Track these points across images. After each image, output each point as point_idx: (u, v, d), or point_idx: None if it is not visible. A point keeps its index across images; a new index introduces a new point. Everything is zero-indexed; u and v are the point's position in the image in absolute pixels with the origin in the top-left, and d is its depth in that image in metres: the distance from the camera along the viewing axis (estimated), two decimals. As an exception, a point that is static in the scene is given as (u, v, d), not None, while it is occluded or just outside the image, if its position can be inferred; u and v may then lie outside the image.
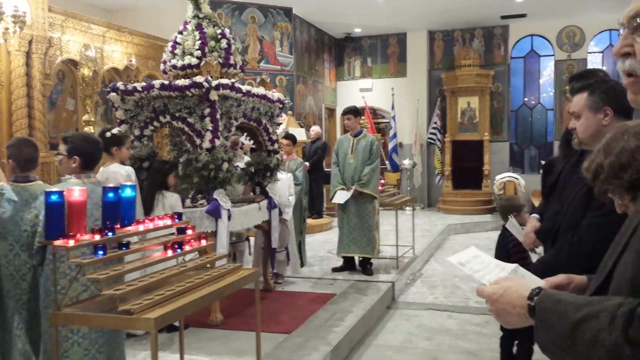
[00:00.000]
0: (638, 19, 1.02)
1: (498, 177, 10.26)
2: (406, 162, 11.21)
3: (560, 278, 1.41)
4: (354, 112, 5.90)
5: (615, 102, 2.06)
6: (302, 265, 5.94)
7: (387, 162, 11.05)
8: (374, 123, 11.30)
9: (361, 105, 10.85)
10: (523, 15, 10.73)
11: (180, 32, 4.70)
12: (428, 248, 7.30)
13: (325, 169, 9.35)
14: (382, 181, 10.40)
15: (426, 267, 6.71)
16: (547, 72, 11.56)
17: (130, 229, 2.68)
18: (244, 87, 4.57)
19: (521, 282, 1.18)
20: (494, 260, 1.49)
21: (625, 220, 1.39)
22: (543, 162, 6.57)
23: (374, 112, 11.73)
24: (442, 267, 6.60)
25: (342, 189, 5.69)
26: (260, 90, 4.85)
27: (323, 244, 7.15)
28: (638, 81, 1.08)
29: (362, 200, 5.68)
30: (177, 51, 4.62)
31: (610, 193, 1.67)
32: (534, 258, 3.23)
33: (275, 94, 5.21)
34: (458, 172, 11.08)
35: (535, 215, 2.99)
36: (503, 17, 10.94)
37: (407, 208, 9.46)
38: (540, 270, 1.76)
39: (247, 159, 5.34)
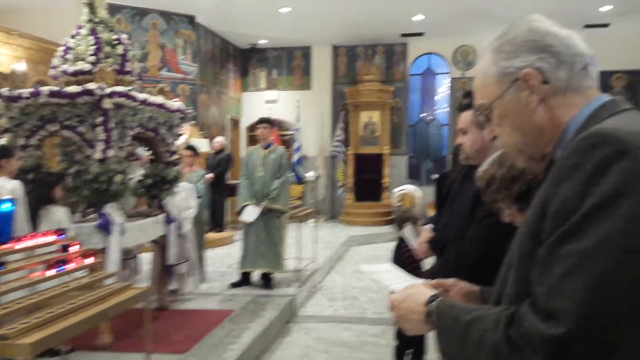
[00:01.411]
0: (483, 112, 1.17)
1: (396, 189, 10.59)
2: (310, 175, 11.32)
3: (438, 281, 1.49)
4: (269, 121, 5.85)
5: None
6: (201, 281, 5.80)
7: (291, 174, 11.09)
8: (279, 135, 11.33)
9: (267, 116, 10.85)
10: (421, 34, 11.24)
11: (73, 37, 4.46)
12: (329, 260, 7.39)
13: (229, 182, 9.23)
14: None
15: (327, 279, 6.78)
16: (443, 89, 12.15)
17: (6, 246, 2.48)
18: (141, 96, 4.40)
19: (421, 289, 1.22)
20: (408, 275, 1.53)
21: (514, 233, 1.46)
22: (436, 175, 6.88)
23: (279, 124, 11.74)
24: (343, 279, 6.70)
25: (252, 204, 5.57)
26: (159, 99, 4.70)
27: (224, 258, 7.02)
28: (510, 152, 1.20)
29: (270, 214, 5.62)
30: (69, 56, 4.38)
31: (500, 202, 1.76)
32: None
33: (175, 103, 5.07)
34: (360, 185, 11.34)
35: (429, 226, 3.10)
36: (403, 35, 11.39)
37: (310, 220, 9.46)
38: (427, 277, 1.81)
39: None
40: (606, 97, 1.10)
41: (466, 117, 2.24)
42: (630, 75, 11.00)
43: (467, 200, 2.33)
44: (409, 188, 11.05)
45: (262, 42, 11.85)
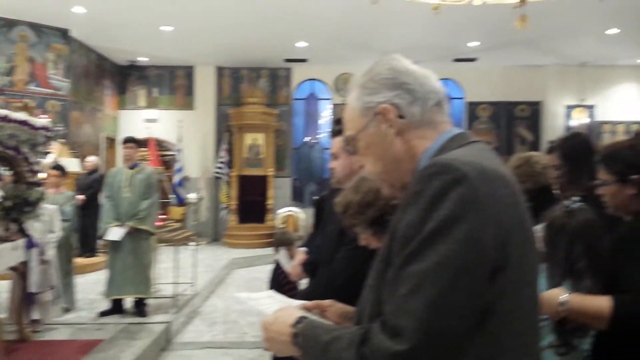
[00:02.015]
0: (350, 143, 1.26)
1: (280, 211, 10.66)
2: (192, 196, 11.03)
3: (316, 302, 1.51)
4: (135, 141, 5.60)
5: None
6: (68, 309, 5.39)
7: (172, 196, 10.76)
8: (160, 155, 10.97)
9: (146, 136, 10.48)
10: (304, 60, 11.48)
11: None
12: (210, 284, 7.21)
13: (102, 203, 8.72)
14: (164, 216, 10.09)
15: (207, 304, 6.60)
16: (326, 113, 12.47)
17: None
18: (0, 112, 4.06)
19: (291, 311, 1.24)
20: (287, 299, 1.51)
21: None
22: (317, 197, 7.01)
23: (160, 144, 11.37)
24: (223, 303, 6.55)
25: (117, 225, 5.28)
26: (21, 116, 4.36)
27: (95, 285, 6.58)
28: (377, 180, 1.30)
29: (138, 237, 5.34)
30: None
31: (356, 227, 1.81)
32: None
33: (40, 120, 4.73)
34: (243, 206, 11.24)
35: (303, 249, 3.12)
36: (287, 60, 11.57)
37: (191, 243, 9.21)
38: (301, 299, 1.81)
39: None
40: (456, 131, 1.20)
41: (337, 142, 2.32)
42: (495, 106, 11.98)
43: (337, 222, 2.40)
44: (293, 210, 11.21)
45: (142, 59, 11.47)
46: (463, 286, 0.95)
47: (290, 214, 10.56)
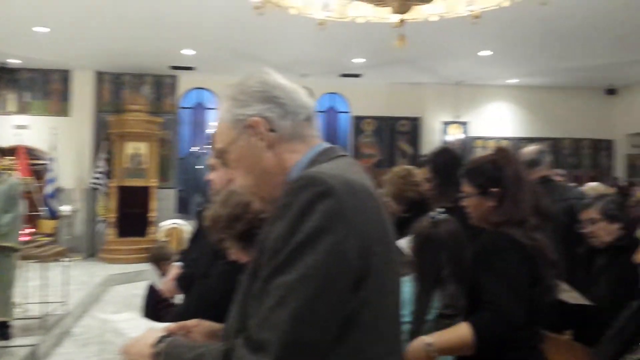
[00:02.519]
0: (220, 156, 1.25)
1: (163, 223, 10.26)
2: (66, 208, 10.31)
3: (180, 324, 1.48)
4: None
5: None
6: None
7: (43, 209, 9.99)
8: (30, 164, 10.16)
9: (15, 143, 9.68)
10: (191, 68, 11.21)
11: None
12: (83, 302, 6.75)
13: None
14: (32, 230, 9.33)
15: (79, 324, 6.19)
16: (213, 123, 12.23)
17: None
18: None
19: (153, 332, 1.21)
20: (150, 322, 1.51)
21: None
22: (200, 209, 6.82)
23: (30, 153, 10.54)
24: (97, 322, 6.15)
25: None
26: None
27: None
28: (247, 194, 1.29)
29: (-1, 253, 4.87)
30: None
31: (225, 242, 1.77)
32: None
33: None
34: (124, 219, 10.68)
35: (178, 264, 3.00)
36: (172, 68, 11.23)
37: (63, 259, 8.59)
38: (174, 319, 1.72)
39: None
40: (325, 145, 1.24)
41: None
42: (378, 120, 12.43)
43: None
44: (177, 223, 10.83)
45: (13, 61, 10.59)
46: (327, 297, 0.96)
47: (174, 226, 10.20)
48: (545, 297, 2.02)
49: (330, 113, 12.52)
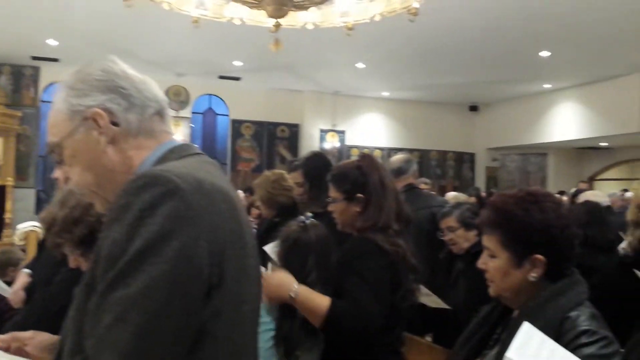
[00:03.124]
0: (54, 151, 1.11)
1: (20, 226, 9.37)
2: None
3: (13, 335, 1.34)
4: None
5: None
6: None
7: None
8: None
9: None
10: (56, 60, 10.40)
11: None
12: None
13: None
14: None
15: None
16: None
17: None
18: None
19: None
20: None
21: None
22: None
23: None
24: None
25: None
26: None
27: None
28: (87, 194, 1.15)
29: None
30: None
31: (63, 247, 1.59)
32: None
33: None
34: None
35: (26, 271, 2.73)
36: (34, 58, 10.35)
37: None
38: (11, 329, 1.54)
39: None
40: (177, 142, 1.13)
41: None
42: (257, 125, 12.38)
43: None
44: (36, 225, 9.94)
45: None
46: (175, 310, 0.87)
47: (32, 229, 9.34)
48: (406, 302, 2.07)
49: (209, 115, 12.26)
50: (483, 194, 8.96)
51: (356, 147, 12.74)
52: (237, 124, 12.20)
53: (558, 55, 8.92)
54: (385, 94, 12.55)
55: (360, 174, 2.14)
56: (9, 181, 10.01)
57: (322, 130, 12.58)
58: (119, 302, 0.85)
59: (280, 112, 12.34)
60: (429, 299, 2.82)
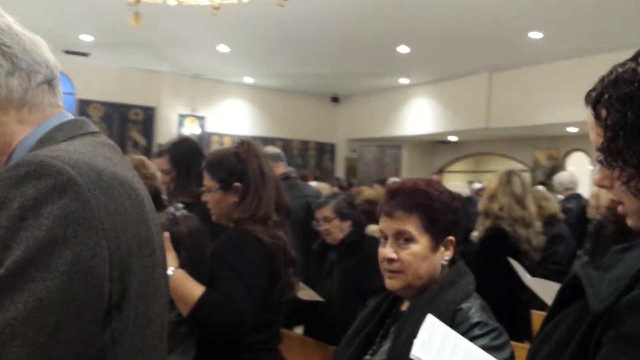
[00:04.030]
0: None
1: None
2: None
3: None
4: None
5: None
6: None
7: None
8: None
9: None
10: None
11: None
12: None
13: None
14: None
15: None
16: None
17: None
18: None
19: None
20: None
21: None
22: None
23: None
24: None
25: None
26: None
27: None
28: None
29: None
30: None
31: None
32: None
33: None
34: None
35: None
36: None
37: None
38: None
39: None
40: (67, 117, 0.90)
41: None
42: (108, 106, 11.49)
43: None
44: None
45: None
46: (67, 339, 0.69)
47: None
48: (284, 296, 2.00)
49: (52, 93, 11.12)
50: (344, 184, 9.16)
51: (217, 134, 12.40)
52: (84, 105, 11.21)
53: (416, 52, 9.37)
54: (249, 80, 12.35)
55: (237, 162, 2.02)
56: None
57: (180, 115, 12.05)
58: (1, 325, 0.67)
59: (134, 93, 11.57)
60: (303, 292, 2.73)
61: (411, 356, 0.99)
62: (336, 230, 3.00)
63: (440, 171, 13.59)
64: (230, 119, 12.66)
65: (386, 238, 1.51)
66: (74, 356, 0.70)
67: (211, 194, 2.03)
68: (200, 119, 12.23)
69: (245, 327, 1.80)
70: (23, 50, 0.87)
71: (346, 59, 10.19)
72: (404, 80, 11.90)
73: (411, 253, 1.46)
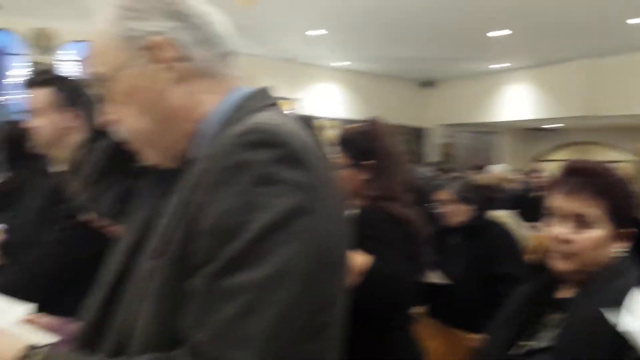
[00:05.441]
0: (100, 84, 0.90)
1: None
2: None
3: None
4: None
5: (83, 104, 1.91)
6: None
7: None
8: None
9: None
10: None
11: None
12: None
13: None
14: None
15: None
16: (18, 72, 10.70)
17: None
18: None
19: (4, 340, 0.82)
20: None
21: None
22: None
23: None
24: None
25: None
26: None
27: None
28: (135, 143, 0.95)
29: None
30: None
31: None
32: None
33: None
34: None
35: (2, 226, 2.51)
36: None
37: None
38: None
39: None
40: (249, 89, 0.93)
41: (42, 95, 1.87)
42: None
43: (40, 197, 1.97)
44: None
45: None
46: (308, 300, 0.72)
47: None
48: (420, 275, 2.01)
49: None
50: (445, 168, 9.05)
51: (313, 117, 12.57)
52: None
53: (514, 36, 9.06)
54: (344, 63, 12.39)
55: (368, 139, 2.02)
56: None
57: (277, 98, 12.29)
58: (243, 289, 0.69)
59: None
60: (432, 274, 2.76)
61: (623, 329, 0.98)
62: (456, 213, 2.98)
63: (539, 159, 13.06)
64: (324, 103, 12.78)
65: (558, 217, 1.44)
66: (314, 316, 0.73)
67: (343, 171, 2.02)
68: (296, 101, 12.44)
69: (402, 290, 1.80)
70: (208, 22, 0.91)
71: (440, 44, 10.00)
72: (499, 65, 11.53)
73: (591, 238, 1.40)
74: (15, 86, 10.67)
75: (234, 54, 0.95)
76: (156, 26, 0.85)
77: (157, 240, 0.82)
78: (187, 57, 0.87)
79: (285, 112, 0.93)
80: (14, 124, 2.86)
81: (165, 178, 0.93)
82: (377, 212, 1.91)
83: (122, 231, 1.03)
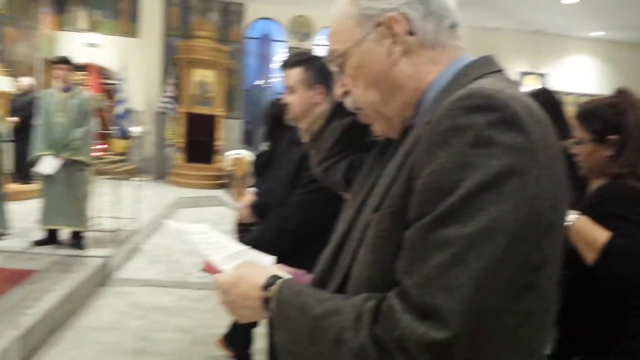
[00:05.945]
0: (336, 60, 0.99)
1: (228, 153, 10.37)
2: (136, 130, 10.54)
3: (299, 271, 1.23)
4: (69, 62, 5.06)
5: (328, 81, 2.06)
6: (2, 234, 5.08)
7: (114, 128, 10.24)
8: (101, 83, 10.36)
9: (86, 61, 9.85)
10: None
11: None
12: (152, 221, 6.95)
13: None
14: (104, 146, 9.62)
15: (148, 241, 6.36)
16: (279, 57, 12.09)
17: None
18: None
19: (256, 269, 1.01)
20: (224, 239, 1.28)
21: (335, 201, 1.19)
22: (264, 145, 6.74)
23: (101, 72, 10.71)
24: (166, 241, 6.34)
25: (50, 154, 4.85)
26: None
27: (31, 213, 6.21)
28: (365, 113, 1.02)
29: (73, 167, 4.96)
30: None
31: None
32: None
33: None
34: (191, 145, 10.79)
35: (253, 190, 2.94)
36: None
37: (134, 178, 8.88)
38: (247, 244, 1.67)
39: None
40: (471, 57, 0.97)
41: (294, 74, 2.11)
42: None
43: (291, 164, 2.23)
44: (242, 153, 10.90)
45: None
46: (514, 258, 0.74)
47: (239, 156, 10.29)
48: None
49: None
50: None
51: (560, 92, 11.74)
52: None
53: None
54: (597, 33, 11.23)
55: (614, 112, 1.85)
56: (220, 111, 11.01)
57: (521, 73, 11.74)
58: (453, 241, 0.73)
59: (472, 52, 11.68)
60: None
61: None
62: None
63: None
64: (575, 76, 11.80)
65: None
66: (518, 278, 0.75)
67: (583, 146, 1.89)
68: (543, 76, 11.74)
69: None
70: None
71: None
72: None
73: None
74: (278, 69, 12.10)
75: (458, 25, 0.98)
76: (388, 3, 0.92)
77: (377, 196, 0.93)
78: (415, 30, 0.92)
79: (506, 78, 0.93)
80: (275, 102, 3.36)
81: (388, 146, 1.03)
82: (621, 189, 1.79)
83: (350, 195, 1.13)
